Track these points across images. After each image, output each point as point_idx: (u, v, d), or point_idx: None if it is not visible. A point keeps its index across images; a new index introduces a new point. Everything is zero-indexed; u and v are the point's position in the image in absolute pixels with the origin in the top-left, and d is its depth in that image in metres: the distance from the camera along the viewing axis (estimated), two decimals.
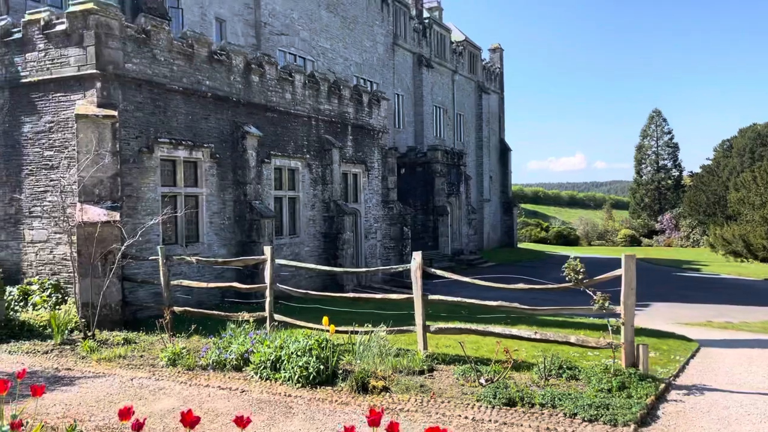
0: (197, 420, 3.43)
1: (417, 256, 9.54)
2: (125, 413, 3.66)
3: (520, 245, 56.03)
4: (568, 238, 66.50)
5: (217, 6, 23.86)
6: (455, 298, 9.64)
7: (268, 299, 10.78)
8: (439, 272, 10.04)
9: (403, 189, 29.74)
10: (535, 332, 9.27)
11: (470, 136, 47.29)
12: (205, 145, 16.10)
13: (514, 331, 9.43)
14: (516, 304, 9.12)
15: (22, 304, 12.74)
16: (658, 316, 17.69)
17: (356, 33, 32.24)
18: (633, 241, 66.61)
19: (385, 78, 35.00)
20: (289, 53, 27.36)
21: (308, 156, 20.31)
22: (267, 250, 10.94)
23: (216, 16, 23.90)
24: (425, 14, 42.26)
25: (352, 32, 31.83)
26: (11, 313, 11.93)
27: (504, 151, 53.66)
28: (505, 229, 52.39)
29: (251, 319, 10.62)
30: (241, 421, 3.45)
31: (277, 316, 10.76)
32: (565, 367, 8.41)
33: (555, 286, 9.33)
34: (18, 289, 13.01)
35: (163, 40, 14.83)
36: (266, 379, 8.24)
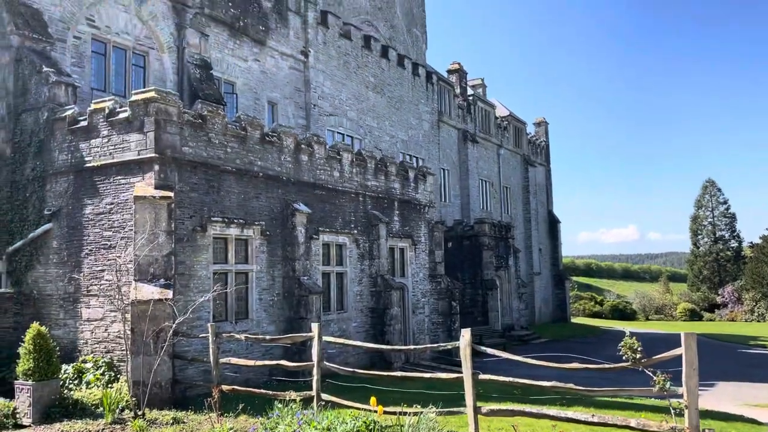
0: None
1: (466, 334, 9.34)
2: None
3: (574, 320, 54.29)
4: (624, 313, 64.13)
5: (269, 90, 25.03)
6: (507, 378, 9.32)
7: (315, 378, 10.66)
8: (489, 350, 9.77)
9: (450, 263, 29.54)
10: (593, 415, 8.82)
11: (517, 208, 47.07)
12: (256, 223, 16.49)
13: (570, 413, 8.99)
14: (571, 385, 8.75)
15: (76, 382, 12.96)
16: (725, 396, 16.65)
17: (402, 111, 33.13)
18: (693, 316, 63.70)
19: (430, 153, 35.57)
20: (338, 132, 28.24)
21: (355, 231, 20.52)
22: (314, 327, 10.92)
23: (268, 99, 25.04)
24: (469, 91, 43.23)
25: (398, 111, 32.74)
26: (66, 391, 12.12)
27: (553, 223, 53.03)
28: (558, 303, 51.02)
29: (298, 399, 10.48)
30: None
31: (324, 396, 10.60)
32: None
33: (612, 365, 8.93)
34: (73, 367, 13.28)
35: (218, 124, 15.55)
36: None
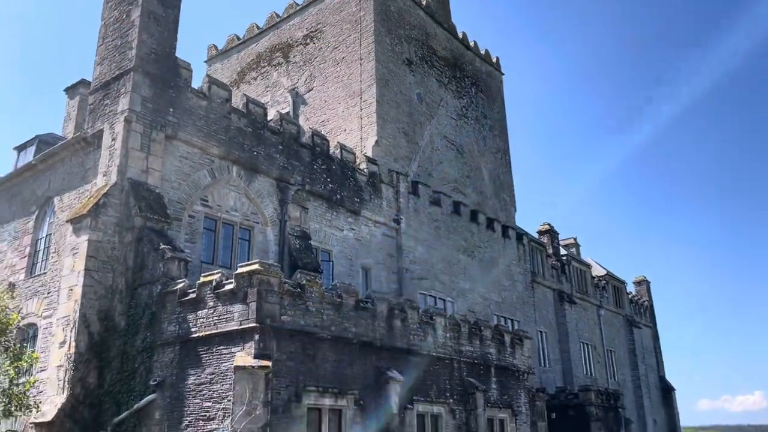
0: None
1: None
2: None
3: None
4: None
5: (363, 257, 25.86)
6: None
7: None
8: None
9: None
10: None
11: (625, 374, 43.84)
12: (350, 392, 16.19)
13: None
14: None
15: None
16: None
17: (494, 273, 32.95)
18: None
19: (526, 315, 34.57)
20: (429, 295, 28.27)
21: (451, 401, 19.63)
22: None
23: (362, 265, 25.79)
24: (562, 251, 42.73)
25: (490, 273, 32.60)
26: None
27: (666, 390, 48.68)
28: None
29: None
30: None
31: None
32: None
33: None
34: None
35: (315, 292, 16.00)
36: None
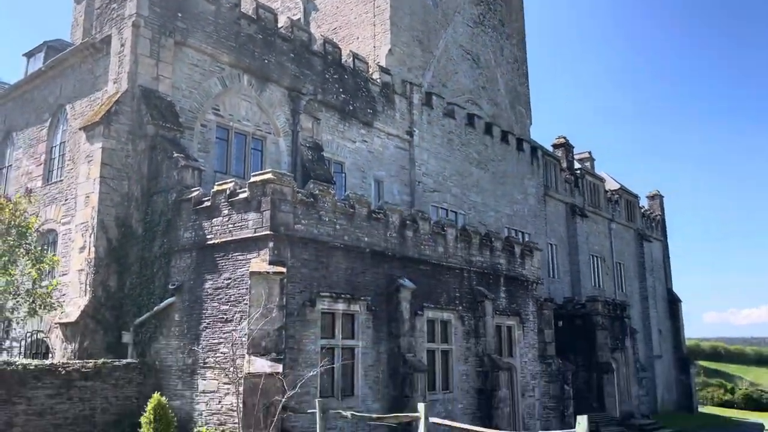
0: None
1: (582, 421, 8.73)
2: None
3: (702, 409, 49.46)
4: (759, 402, 57.62)
5: (375, 169, 25.84)
6: None
7: None
8: None
9: (561, 343, 28.11)
10: None
11: (633, 286, 44.55)
12: (362, 298, 16.68)
13: None
14: None
15: None
16: None
17: (507, 186, 32.92)
18: None
19: (537, 228, 34.81)
20: (441, 208, 28.42)
21: (460, 308, 20.18)
22: (421, 407, 10.66)
23: (375, 177, 25.81)
24: (576, 165, 42.39)
25: (502, 186, 32.57)
26: None
27: (673, 302, 49.60)
28: (682, 390, 46.85)
29: None
30: None
31: None
32: None
33: None
34: None
35: (328, 202, 16.15)
36: None
